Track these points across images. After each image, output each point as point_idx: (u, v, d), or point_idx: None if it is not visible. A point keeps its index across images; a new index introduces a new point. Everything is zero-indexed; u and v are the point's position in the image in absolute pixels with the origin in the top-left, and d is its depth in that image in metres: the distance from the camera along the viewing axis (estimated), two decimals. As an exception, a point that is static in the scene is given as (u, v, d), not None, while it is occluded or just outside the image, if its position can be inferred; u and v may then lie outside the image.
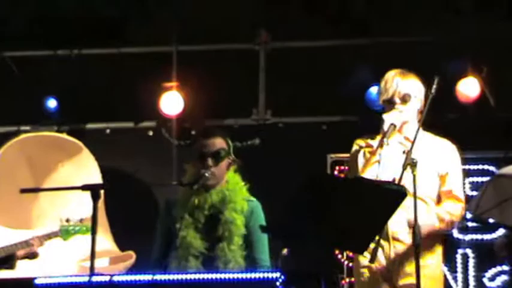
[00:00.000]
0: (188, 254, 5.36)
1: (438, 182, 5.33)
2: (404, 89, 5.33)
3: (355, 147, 5.46)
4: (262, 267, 5.34)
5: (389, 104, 5.32)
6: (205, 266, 5.34)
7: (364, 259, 5.24)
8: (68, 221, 5.79)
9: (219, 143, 5.41)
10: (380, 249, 5.13)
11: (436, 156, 5.33)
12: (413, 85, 5.38)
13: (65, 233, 5.76)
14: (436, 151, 5.36)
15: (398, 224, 5.19)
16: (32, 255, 5.77)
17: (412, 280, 5.08)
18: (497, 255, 6.61)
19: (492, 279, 7.66)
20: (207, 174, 5.33)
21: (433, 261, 5.30)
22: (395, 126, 5.22)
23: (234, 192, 5.40)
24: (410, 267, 5.15)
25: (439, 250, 5.36)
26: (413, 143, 4.96)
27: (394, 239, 5.22)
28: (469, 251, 7.71)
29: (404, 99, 5.31)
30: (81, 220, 5.79)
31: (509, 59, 7.58)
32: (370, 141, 5.38)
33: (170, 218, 5.44)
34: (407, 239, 5.20)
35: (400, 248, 5.22)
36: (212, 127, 6.11)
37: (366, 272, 5.29)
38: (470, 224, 6.79)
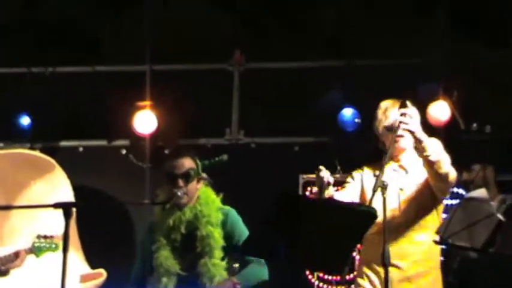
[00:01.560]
0: (161, 274, 5.37)
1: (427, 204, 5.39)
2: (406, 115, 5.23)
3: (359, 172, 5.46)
4: (254, 262, 5.34)
5: (389, 131, 5.32)
6: (181, 286, 5.35)
7: (364, 281, 5.30)
8: (40, 237, 5.76)
9: (187, 163, 5.44)
10: (375, 276, 5.22)
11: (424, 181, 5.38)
12: (410, 113, 5.33)
13: (37, 249, 5.74)
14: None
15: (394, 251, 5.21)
16: (4, 272, 5.74)
17: None
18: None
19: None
20: (179, 193, 5.36)
21: (425, 282, 5.32)
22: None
23: (207, 206, 5.43)
24: None
25: (435, 272, 5.39)
26: (382, 168, 4.98)
27: (391, 265, 5.22)
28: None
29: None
30: (51, 237, 5.77)
31: (480, 83, 7.65)
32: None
33: (151, 241, 5.46)
34: (403, 265, 5.24)
35: (396, 274, 5.22)
36: (180, 148, 6.12)
37: None
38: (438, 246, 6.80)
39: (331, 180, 5.17)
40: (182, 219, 5.40)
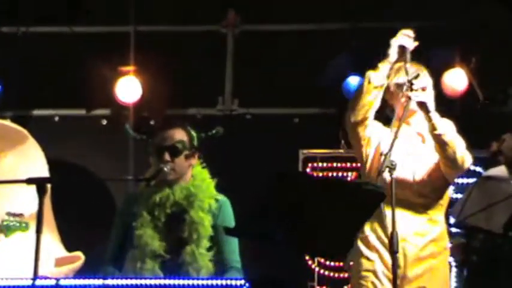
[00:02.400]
0: (145, 255, 5.39)
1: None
2: (424, 80, 5.36)
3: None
4: (233, 269, 5.38)
5: (400, 87, 5.34)
6: (165, 269, 5.37)
7: (369, 263, 5.33)
8: (9, 215, 5.79)
9: (178, 135, 5.44)
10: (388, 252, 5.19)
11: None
12: (428, 78, 5.44)
13: (6, 228, 5.77)
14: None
15: (406, 226, 5.25)
16: None
17: (419, 283, 5.24)
18: (453, 258, 6.73)
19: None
20: (165, 169, 5.36)
21: (439, 263, 5.38)
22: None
23: (201, 189, 5.44)
24: (417, 270, 5.27)
25: (444, 253, 5.43)
26: (391, 147, 5.00)
27: (404, 239, 5.27)
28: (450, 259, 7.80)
29: (423, 88, 5.33)
30: (20, 215, 5.80)
31: (500, 50, 7.66)
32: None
33: (130, 215, 5.47)
34: (416, 240, 5.29)
35: (413, 250, 5.28)
36: (172, 117, 6.12)
37: (369, 276, 5.35)
38: (453, 229, 6.85)
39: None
40: (171, 198, 5.42)
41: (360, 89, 5.33)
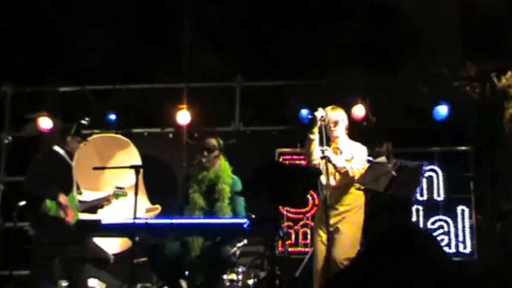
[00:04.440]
0: (194, 207, 5.43)
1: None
2: (335, 117, 5.38)
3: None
4: (239, 215, 5.40)
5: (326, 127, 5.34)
6: (205, 215, 5.41)
7: (318, 221, 5.34)
8: (118, 188, 5.80)
9: (211, 141, 5.49)
10: (324, 214, 5.17)
11: (353, 152, 5.45)
12: (339, 114, 5.44)
13: (116, 195, 5.78)
14: (353, 149, 5.48)
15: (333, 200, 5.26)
16: (102, 207, 5.80)
17: (337, 226, 5.21)
18: None
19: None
20: (203, 160, 5.42)
21: (350, 214, 5.35)
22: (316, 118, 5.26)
23: (224, 172, 5.47)
24: (336, 219, 5.24)
25: (356, 208, 5.41)
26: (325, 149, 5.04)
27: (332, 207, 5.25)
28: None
29: (336, 123, 5.37)
30: (123, 188, 5.80)
31: (384, 97, 7.66)
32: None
33: (187, 186, 5.52)
34: (338, 207, 5.28)
35: (334, 212, 5.24)
36: (208, 132, 6.13)
37: (317, 225, 5.37)
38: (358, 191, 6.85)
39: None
40: (207, 176, 5.45)
41: (307, 144, 5.32)
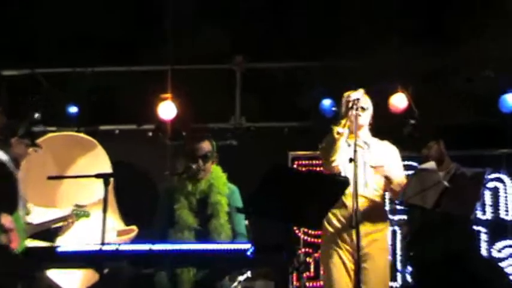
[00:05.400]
0: (183, 228, 5.38)
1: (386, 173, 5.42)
2: (364, 103, 5.37)
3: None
4: (240, 235, 5.37)
5: (349, 109, 5.31)
6: (197, 238, 5.36)
7: (332, 237, 5.33)
8: (77, 206, 5.77)
9: (206, 146, 5.44)
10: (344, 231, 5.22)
11: (383, 155, 5.42)
12: (369, 102, 5.45)
13: (76, 216, 5.75)
14: (383, 152, 5.44)
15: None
16: (62, 232, 5.76)
17: (366, 251, 5.21)
18: (402, 238, 6.70)
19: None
20: (193, 167, 5.37)
21: (382, 235, 5.39)
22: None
23: (217, 180, 5.45)
24: (365, 241, 5.24)
25: (386, 229, 5.45)
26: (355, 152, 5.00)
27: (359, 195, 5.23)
28: (397, 228, 7.76)
29: (364, 109, 5.35)
30: (84, 206, 5.77)
31: (429, 82, 7.61)
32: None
33: (171, 200, 5.47)
34: (368, 225, 5.28)
35: (362, 230, 5.24)
36: (201, 132, 6.09)
37: (333, 246, 5.35)
38: (398, 207, 6.83)
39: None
40: (199, 187, 5.42)
41: (330, 141, 5.27)
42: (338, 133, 5.22)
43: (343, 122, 5.22)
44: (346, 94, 5.41)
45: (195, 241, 5.32)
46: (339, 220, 5.34)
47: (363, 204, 5.26)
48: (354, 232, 5.13)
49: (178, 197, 5.42)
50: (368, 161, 5.36)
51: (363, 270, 5.15)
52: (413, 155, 7.03)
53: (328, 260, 5.36)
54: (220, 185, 5.43)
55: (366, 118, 5.43)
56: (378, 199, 5.38)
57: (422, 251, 5.92)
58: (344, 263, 5.30)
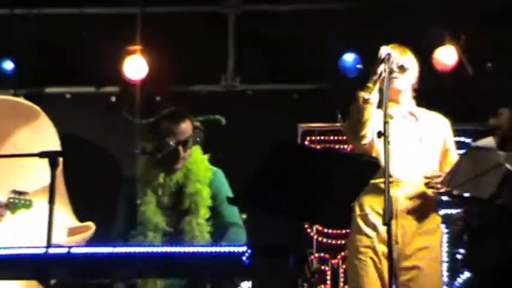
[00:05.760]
0: (147, 229, 5.41)
1: (439, 155, 5.49)
2: (402, 60, 5.39)
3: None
4: (234, 225, 5.39)
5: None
6: (166, 241, 5.39)
7: (368, 240, 5.34)
8: (15, 193, 5.79)
9: (187, 127, 5.42)
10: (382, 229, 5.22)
11: (435, 129, 5.49)
12: (409, 59, 5.47)
13: (12, 205, 5.77)
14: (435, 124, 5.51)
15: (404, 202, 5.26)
16: None
17: (413, 262, 5.27)
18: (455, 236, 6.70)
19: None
20: (171, 143, 5.36)
21: (434, 242, 5.41)
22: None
23: (196, 165, 5.45)
24: (412, 249, 5.29)
25: (439, 231, 5.49)
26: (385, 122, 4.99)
27: (402, 216, 5.29)
28: (442, 226, 7.78)
29: (403, 68, 5.37)
30: (25, 193, 5.80)
31: (486, 30, 7.62)
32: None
33: (132, 195, 5.48)
34: (418, 218, 5.32)
35: (412, 226, 5.30)
36: (178, 108, 6.08)
37: (368, 252, 5.35)
38: (444, 198, 6.83)
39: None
40: (173, 179, 5.43)
41: (355, 111, 5.28)
42: (364, 100, 5.21)
43: (370, 85, 5.21)
44: (382, 48, 5.37)
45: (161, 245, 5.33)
46: (380, 216, 5.30)
47: (408, 194, 5.30)
48: (398, 233, 5.16)
49: (144, 189, 5.44)
50: (416, 136, 5.38)
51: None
52: (467, 127, 7.04)
53: (359, 271, 5.37)
54: (201, 170, 5.44)
55: (405, 81, 5.45)
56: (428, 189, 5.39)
57: (482, 257, 5.91)
58: (381, 276, 5.30)
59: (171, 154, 5.39)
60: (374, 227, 5.34)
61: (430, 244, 5.37)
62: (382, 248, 5.27)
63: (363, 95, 5.21)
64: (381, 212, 5.15)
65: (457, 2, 7.68)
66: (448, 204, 7.59)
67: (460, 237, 6.32)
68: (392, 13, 7.66)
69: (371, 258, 5.34)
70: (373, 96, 5.22)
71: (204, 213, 5.40)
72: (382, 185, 4.97)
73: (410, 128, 5.40)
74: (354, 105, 5.29)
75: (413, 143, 5.39)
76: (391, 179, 4.97)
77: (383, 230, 5.20)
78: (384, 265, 5.25)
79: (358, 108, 5.25)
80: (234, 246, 4.99)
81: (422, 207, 5.37)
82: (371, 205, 5.35)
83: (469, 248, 6.10)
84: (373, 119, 5.26)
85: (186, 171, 5.44)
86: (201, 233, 5.37)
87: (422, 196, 5.37)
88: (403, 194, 5.29)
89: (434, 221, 5.45)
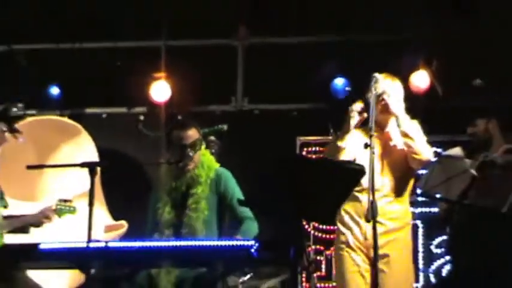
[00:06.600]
0: (163, 227, 5.40)
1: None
2: (384, 87, 5.32)
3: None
4: (247, 219, 5.36)
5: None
6: (175, 233, 5.37)
7: (343, 237, 5.34)
8: (61, 201, 5.78)
9: (194, 133, 5.43)
10: (358, 228, 5.25)
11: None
12: (391, 85, 5.39)
13: (59, 211, 5.76)
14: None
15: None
16: (38, 225, 5.76)
17: (384, 251, 5.21)
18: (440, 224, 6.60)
19: (438, 246, 7.72)
20: (190, 154, 5.36)
21: (402, 235, 5.37)
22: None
23: (203, 169, 5.43)
24: (383, 241, 5.23)
25: (408, 226, 5.43)
26: (370, 136, 4.98)
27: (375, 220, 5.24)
28: (418, 222, 7.75)
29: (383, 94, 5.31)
30: (69, 201, 5.78)
31: (457, 54, 7.58)
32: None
33: (156, 200, 5.49)
34: (384, 221, 5.27)
35: (378, 228, 5.25)
36: (185, 119, 6.07)
37: (344, 247, 5.36)
38: (419, 198, 6.80)
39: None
40: (183, 182, 5.42)
41: (332, 150, 5.36)
42: (339, 147, 5.26)
43: (344, 135, 5.28)
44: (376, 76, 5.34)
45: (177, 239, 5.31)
46: (352, 218, 5.34)
47: (380, 197, 5.23)
48: (369, 230, 5.13)
49: (162, 194, 5.44)
50: (387, 152, 5.35)
51: (380, 273, 5.14)
52: (437, 139, 6.99)
53: (340, 263, 5.38)
54: (205, 173, 5.43)
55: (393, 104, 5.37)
56: (398, 192, 5.36)
57: (459, 246, 5.81)
58: (358, 266, 5.30)
59: (182, 156, 5.38)
60: (348, 227, 5.34)
61: (398, 236, 5.33)
62: (356, 243, 5.29)
63: (339, 144, 5.28)
64: (354, 214, 5.22)
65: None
66: (424, 203, 7.63)
67: (444, 224, 6.20)
68: (374, 45, 7.65)
69: (347, 251, 5.34)
70: (344, 143, 5.27)
71: (204, 209, 5.39)
72: (355, 193, 5.08)
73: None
74: (332, 146, 5.37)
75: (379, 158, 5.34)
76: (363, 187, 5.05)
77: (357, 229, 5.28)
78: (360, 255, 5.28)
79: (335, 149, 5.32)
80: (247, 240, 5.00)
81: (390, 209, 5.35)
82: (345, 209, 5.36)
83: (450, 237, 6.01)
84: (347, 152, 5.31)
85: (194, 175, 5.45)
86: (198, 224, 5.36)
87: (389, 200, 5.36)
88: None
89: (403, 219, 5.39)
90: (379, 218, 5.12)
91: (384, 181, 5.34)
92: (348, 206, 5.34)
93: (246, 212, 5.40)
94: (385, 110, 5.34)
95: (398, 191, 5.36)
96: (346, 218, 5.37)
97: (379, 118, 5.28)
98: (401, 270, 5.33)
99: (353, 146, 5.33)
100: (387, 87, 5.35)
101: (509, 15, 7.46)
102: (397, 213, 5.35)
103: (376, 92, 5.16)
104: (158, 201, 5.45)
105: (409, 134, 5.24)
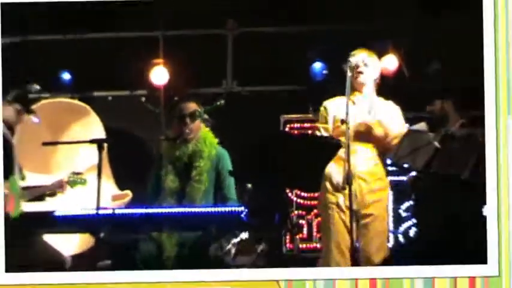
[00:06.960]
0: (167, 194, 5.41)
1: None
2: (367, 59, 5.46)
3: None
4: (230, 199, 5.40)
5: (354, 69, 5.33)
6: (177, 201, 5.39)
7: (333, 197, 5.34)
8: (73, 173, 5.77)
9: (193, 105, 5.46)
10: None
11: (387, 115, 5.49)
12: (373, 60, 5.55)
13: (72, 183, 5.76)
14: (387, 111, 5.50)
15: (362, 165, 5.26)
16: (52, 195, 5.77)
17: (370, 211, 5.30)
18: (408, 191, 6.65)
19: (406, 210, 7.77)
20: (187, 131, 5.38)
21: (383, 196, 5.48)
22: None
23: (204, 143, 5.44)
24: (369, 200, 5.31)
25: (387, 189, 5.56)
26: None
27: (360, 178, 5.26)
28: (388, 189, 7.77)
29: (365, 64, 5.39)
30: (81, 174, 5.77)
31: (420, 44, 7.60)
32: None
33: (159, 169, 5.49)
34: (369, 178, 5.30)
35: (364, 185, 5.28)
36: (187, 94, 6.09)
37: (334, 207, 5.37)
38: (390, 168, 6.83)
39: None
40: (185, 152, 5.43)
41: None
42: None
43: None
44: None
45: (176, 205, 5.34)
46: (332, 185, 5.36)
47: (368, 158, 5.30)
48: (357, 190, 5.21)
49: (166, 163, 5.44)
50: (366, 118, 5.40)
51: (362, 229, 5.18)
52: (407, 116, 7.01)
53: (328, 221, 5.41)
54: (207, 149, 5.44)
55: (368, 76, 5.43)
56: (378, 155, 5.40)
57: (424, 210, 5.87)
58: (345, 223, 5.32)
59: (181, 124, 5.39)
60: (337, 188, 5.35)
61: (382, 197, 5.38)
62: (345, 203, 5.29)
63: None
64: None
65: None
66: (393, 172, 7.66)
67: (410, 191, 6.26)
68: (347, 33, 7.63)
69: (337, 212, 5.36)
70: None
71: (205, 181, 5.40)
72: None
73: (366, 110, 5.39)
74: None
75: (366, 120, 5.39)
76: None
77: (338, 192, 5.31)
78: (346, 214, 5.29)
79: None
80: (235, 206, 5.03)
81: (373, 171, 5.37)
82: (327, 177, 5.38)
83: (415, 202, 6.07)
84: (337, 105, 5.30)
85: (196, 148, 5.45)
86: (200, 196, 5.38)
87: (373, 161, 5.38)
88: (359, 161, 5.28)
89: (384, 181, 5.45)
90: (366, 177, 5.18)
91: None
92: (330, 174, 5.36)
93: (232, 193, 5.43)
94: (360, 80, 5.37)
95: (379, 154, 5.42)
96: (335, 180, 5.38)
97: (354, 87, 5.32)
98: (382, 228, 5.38)
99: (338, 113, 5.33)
100: (364, 58, 5.40)
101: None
102: (378, 175, 5.41)
103: (351, 63, 5.20)
104: (161, 169, 5.46)
105: (384, 125, 5.30)
